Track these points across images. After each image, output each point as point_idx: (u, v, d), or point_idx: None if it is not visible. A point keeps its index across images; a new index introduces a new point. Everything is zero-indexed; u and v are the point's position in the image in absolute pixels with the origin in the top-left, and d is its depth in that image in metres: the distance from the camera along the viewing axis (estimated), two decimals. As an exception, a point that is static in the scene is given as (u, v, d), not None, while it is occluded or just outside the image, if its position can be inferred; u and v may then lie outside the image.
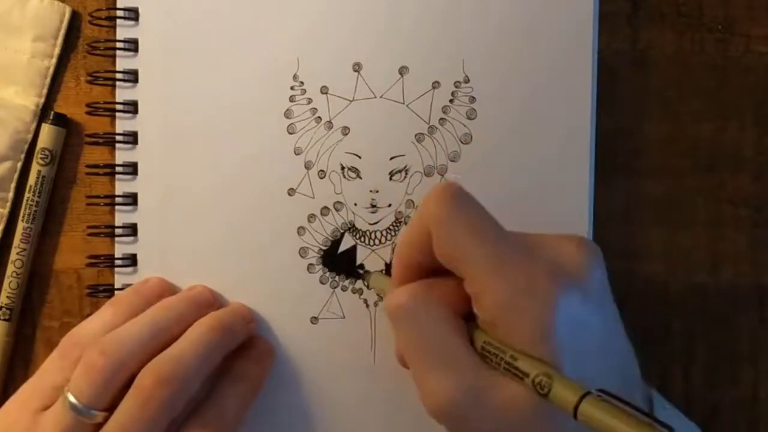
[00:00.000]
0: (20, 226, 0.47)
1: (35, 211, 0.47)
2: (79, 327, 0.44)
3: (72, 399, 0.40)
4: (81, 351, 0.42)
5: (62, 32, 0.48)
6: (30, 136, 0.47)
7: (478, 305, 0.36)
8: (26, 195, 0.47)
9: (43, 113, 0.48)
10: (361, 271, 0.47)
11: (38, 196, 0.47)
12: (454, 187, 0.37)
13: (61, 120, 0.47)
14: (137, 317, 0.44)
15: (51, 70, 0.48)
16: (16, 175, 0.48)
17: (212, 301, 0.46)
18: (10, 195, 0.48)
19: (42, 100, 0.48)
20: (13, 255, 0.47)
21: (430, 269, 0.38)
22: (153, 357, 0.42)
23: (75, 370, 0.41)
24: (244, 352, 0.45)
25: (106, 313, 0.45)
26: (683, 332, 0.48)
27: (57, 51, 0.48)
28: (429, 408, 0.36)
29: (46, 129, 0.47)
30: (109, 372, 0.41)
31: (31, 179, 0.47)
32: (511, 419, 0.34)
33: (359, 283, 0.47)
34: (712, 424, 0.48)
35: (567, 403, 0.31)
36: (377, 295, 0.47)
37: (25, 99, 0.47)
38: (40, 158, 0.47)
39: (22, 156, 0.48)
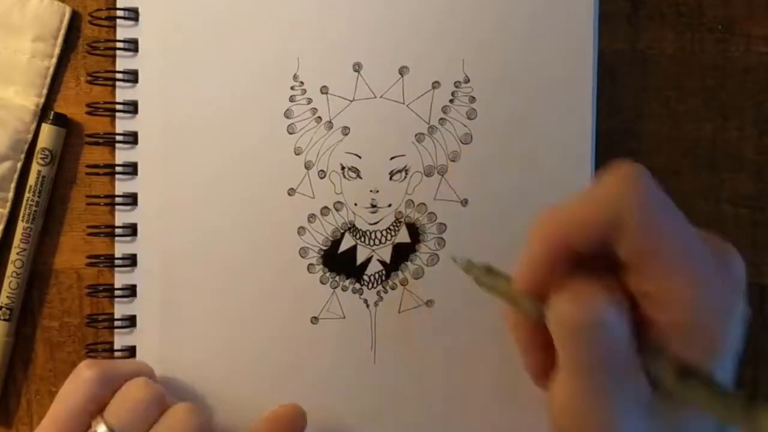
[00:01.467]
0: (20, 226, 0.47)
1: (35, 211, 0.47)
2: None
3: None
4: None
5: (62, 32, 0.48)
6: (30, 136, 0.47)
7: (658, 308, 0.32)
8: (26, 195, 0.47)
9: (43, 113, 0.48)
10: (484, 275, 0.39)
11: (38, 196, 0.47)
12: (643, 170, 0.33)
13: (61, 120, 0.47)
14: None
15: (51, 70, 0.48)
16: (16, 175, 0.48)
17: None
18: (10, 195, 0.48)
19: (42, 100, 0.48)
20: (13, 255, 0.47)
21: (570, 259, 0.33)
22: None
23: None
24: None
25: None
26: (683, 332, 0.48)
27: (57, 51, 0.48)
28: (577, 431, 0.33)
29: (46, 129, 0.47)
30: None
31: (31, 179, 0.47)
32: None
33: (359, 283, 0.47)
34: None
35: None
36: (376, 283, 0.47)
37: (25, 99, 0.47)
38: (40, 158, 0.47)
39: (22, 156, 0.47)
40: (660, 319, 0.32)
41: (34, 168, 0.47)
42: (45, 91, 0.48)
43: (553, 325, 0.32)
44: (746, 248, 0.48)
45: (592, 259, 0.33)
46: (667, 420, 0.32)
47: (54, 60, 0.48)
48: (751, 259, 0.48)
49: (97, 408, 0.43)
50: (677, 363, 0.32)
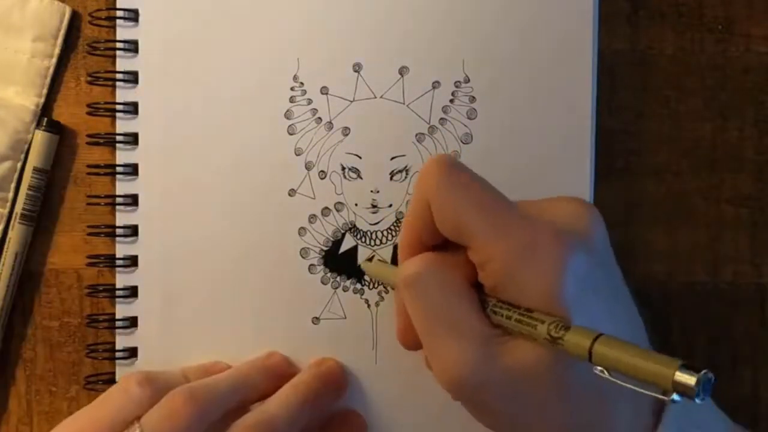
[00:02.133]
0: (20, 225, 0.47)
1: (35, 211, 0.47)
2: (149, 371, 0.44)
3: None
4: (155, 390, 0.42)
5: (62, 32, 0.47)
6: (30, 136, 0.47)
7: (483, 273, 0.36)
8: (26, 195, 0.47)
9: (44, 113, 0.48)
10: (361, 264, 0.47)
11: (38, 196, 0.47)
12: (446, 157, 0.38)
13: (54, 126, 0.47)
14: (224, 373, 0.45)
15: (51, 70, 0.48)
16: (15, 175, 0.48)
17: (289, 374, 0.46)
18: (10, 195, 0.48)
19: (42, 100, 0.48)
20: (12, 255, 0.47)
21: (436, 245, 0.39)
22: (233, 410, 0.42)
23: (151, 409, 0.41)
24: (336, 429, 0.46)
25: (179, 369, 0.46)
26: (683, 332, 0.48)
27: (57, 51, 0.48)
28: (442, 379, 0.36)
29: (39, 136, 0.47)
30: (194, 420, 0.41)
31: (32, 179, 0.47)
32: (525, 381, 0.34)
33: (360, 284, 0.47)
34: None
35: (581, 348, 0.31)
36: (377, 284, 0.47)
37: (25, 99, 0.47)
38: (33, 177, 0.47)
39: (22, 156, 0.47)
40: (487, 283, 0.36)
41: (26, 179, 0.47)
42: (45, 91, 0.48)
43: (399, 290, 0.39)
44: (746, 248, 0.48)
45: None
46: (523, 361, 0.34)
47: (54, 60, 0.48)
48: (750, 259, 0.48)
49: (138, 415, 0.41)
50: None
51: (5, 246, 0.47)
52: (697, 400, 0.28)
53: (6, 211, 0.48)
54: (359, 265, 0.47)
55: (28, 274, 0.48)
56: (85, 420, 0.42)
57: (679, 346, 0.48)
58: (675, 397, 0.28)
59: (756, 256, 0.48)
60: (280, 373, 0.46)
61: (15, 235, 0.47)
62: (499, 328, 0.36)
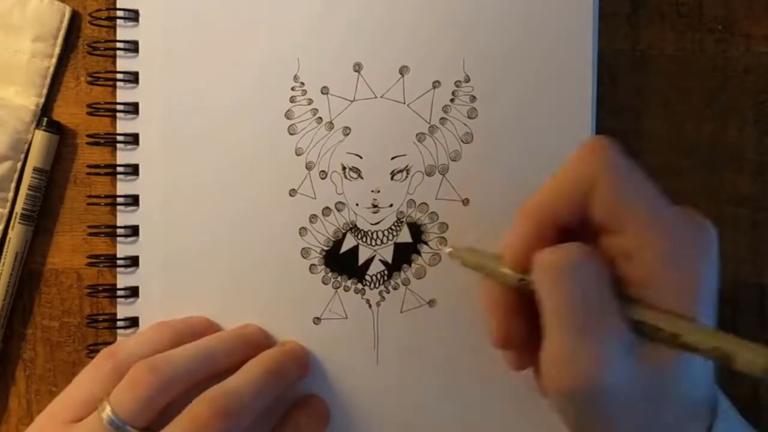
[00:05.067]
0: (20, 225, 0.47)
1: (35, 211, 0.47)
2: (117, 343, 0.45)
3: (110, 412, 0.40)
4: (116, 363, 0.42)
5: (62, 32, 0.47)
6: (30, 136, 0.47)
7: (631, 263, 0.36)
8: (26, 195, 0.47)
9: (44, 113, 0.48)
10: (445, 249, 0.47)
11: (38, 196, 0.47)
12: (610, 141, 0.37)
13: (54, 126, 0.47)
14: (189, 344, 0.44)
15: (51, 70, 0.48)
16: (15, 175, 0.47)
17: (264, 343, 0.46)
18: (10, 195, 0.48)
19: (42, 100, 0.48)
20: (12, 255, 0.47)
21: (557, 230, 0.37)
22: (198, 384, 0.42)
23: (116, 383, 0.41)
24: (300, 409, 0.46)
25: (148, 332, 0.45)
26: (683, 332, 0.48)
27: (57, 51, 0.48)
28: (573, 380, 0.35)
29: (39, 136, 0.47)
30: (155, 390, 0.40)
31: (32, 179, 0.47)
32: (653, 386, 0.35)
33: (361, 284, 0.47)
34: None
35: (755, 366, 0.34)
36: (378, 284, 0.47)
37: (25, 99, 0.47)
38: (33, 177, 0.47)
39: (22, 156, 0.47)
40: (634, 274, 0.35)
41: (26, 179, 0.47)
42: (45, 91, 0.48)
43: (538, 276, 0.36)
44: (746, 248, 0.48)
45: (572, 235, 0.37)
46: (653, 365, 0.35)
47: (54, 60, 0.48)
48: (751, 259, 0.48)
49: (109, 390, 0.41)
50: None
51: (5, 246, 0.47)
52: None
53: (6, 211, 0.47)
54: (447, 252, 0.46)
55: (28, 274, 0.48)
56: (66, 401, 0.42)
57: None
58: None
59: (756, 256, 0.48)
60: (254, 341, 0.46)
61: (15, 235, 0.47)
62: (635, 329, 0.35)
